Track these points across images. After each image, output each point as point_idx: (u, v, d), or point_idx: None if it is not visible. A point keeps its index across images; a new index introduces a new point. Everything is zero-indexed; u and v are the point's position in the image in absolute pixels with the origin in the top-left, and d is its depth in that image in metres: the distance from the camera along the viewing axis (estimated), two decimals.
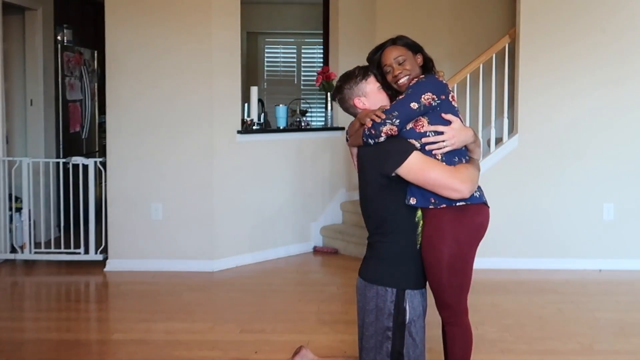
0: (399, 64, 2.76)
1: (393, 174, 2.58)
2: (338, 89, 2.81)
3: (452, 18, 6.79)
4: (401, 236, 2.67)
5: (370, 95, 2.75)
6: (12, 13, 6.13)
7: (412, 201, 2.67)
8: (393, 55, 2.77)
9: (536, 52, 5.35)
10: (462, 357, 2.78)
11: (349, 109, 2.81)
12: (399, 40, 2.83)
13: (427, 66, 2.82)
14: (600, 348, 3.79)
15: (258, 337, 3.92)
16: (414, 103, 2.60)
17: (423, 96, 2.62)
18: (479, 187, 2.73)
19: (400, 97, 2.65)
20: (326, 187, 6.27)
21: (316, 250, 6.11)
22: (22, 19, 6.27)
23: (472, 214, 2.67)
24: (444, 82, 2.76)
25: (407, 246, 2.67)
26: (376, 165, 2.62)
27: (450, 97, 2.70)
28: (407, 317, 2.65)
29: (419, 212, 2.69)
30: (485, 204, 2.74)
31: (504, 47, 5.55)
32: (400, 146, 2.59)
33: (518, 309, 4.43)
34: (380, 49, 2.85)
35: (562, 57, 5.35)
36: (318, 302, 4.62)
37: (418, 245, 2.68)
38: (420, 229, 2.68)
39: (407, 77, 2.74)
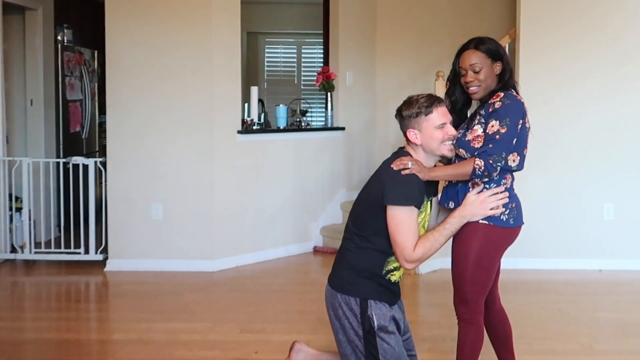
0: (475, 72, 2.79)
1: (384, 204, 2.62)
2: (399, 112, 2.76)
3: (452, 18, 6.79)
4: (372, 254, 2.68)
5: (425, 132, 2.68)
6: (12, 13, 6.14)
7: (451, 205, 2.80)
8: (471, 61, 2.79)
9: (536, 52, 5.35)
10: (470, 355, 2.83)
11: (403, 134, 2.78)
12: (481, 45, 2.81)
13: (504, 74, 2.81)
14: (600, 348, 3.79)
15: (258, 337, 3.92)
16: (515, 138, 2.70)
17: (518, 126, 2.72)
18: (516, 208, 2.85)
19: (500, 128, 2.67)
20: (326, 187, 6.27)
21: (316, 250, 6.11)
22: (22, 19, 6.27)
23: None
24: (521, 99, 2.79)
25: (374, 264, 2.68)
26: (383, 185, 2.64)
27: (526, 119, 2.79)
28: (375, 324, 2.65)
29: None
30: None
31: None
32: (409, 191, 2.60)
33: (518, 309, 4.42)
34: (463, 48, 2.85)
35: (563, 57, 5.35)
36: (318, 302, 4.60)
37: (385, 270, 2.69)
38: (393, 257, 2.69)
39: (478, 87, 2.79)
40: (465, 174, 2.70)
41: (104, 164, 5.48)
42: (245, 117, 5.73)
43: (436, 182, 2.83)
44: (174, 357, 3.64)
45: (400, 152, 2.76)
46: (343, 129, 6.34)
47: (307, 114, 6.59)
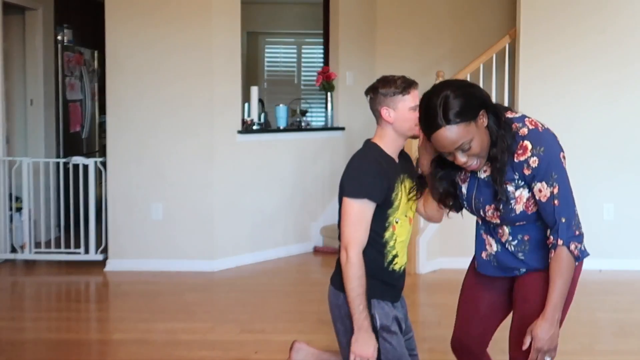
0: (464, 150, 2.07)
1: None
2: (373, 89, 2.69)
3: (452, 18, 6.79)
4: (369, 249, 2.62)
5: (399, 112, 2.62)
6: (12, 13, 6.14)
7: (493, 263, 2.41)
8: (454, 144, 2.04)
9: (536, 52, 5.35)
10: None
11: (374, 112, 2.72)
12: (450, 114, 2.01)
13: (495, 118, 2.13)
14: (600, 348, 3.79)
15: (258, 337, 3.92)
16: (568, 179, 2.16)
17: (563, 164, 2.15)
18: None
19: (553, 189, 2.11)
20: (326, 187, 6.27)
21: (316, 250, 6.11)
22: (22, 19, 6.28)
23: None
24: (547, 129, 2.24)
25: (374, 260, 2.63)
26: (343, 177, 2.67)
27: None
28: (378, 323, 2.61)
29: (388, 232, 2.63)
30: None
31: (504, 47, 5.55)
32: (362, 184, 2.58)
33: None
34: (431, 129, 2.07)
35: (563, 57, 5.34)
36: (318, 302, 4.60)
37: (387, 262, 2.64)
38: (392, 243, 2.64)
39: (478, 160, 2.11)
40: (571, 271, 2.25)
41: (104, 164, 5.48)
42: (245, 117, 5.73)
43: (404, 159, 2.70)
44: (173, 357, 3.65)
45: (367, 144, 2.73)
46: (343, 129, 6.34)
47: (307, 114, 6.58)
